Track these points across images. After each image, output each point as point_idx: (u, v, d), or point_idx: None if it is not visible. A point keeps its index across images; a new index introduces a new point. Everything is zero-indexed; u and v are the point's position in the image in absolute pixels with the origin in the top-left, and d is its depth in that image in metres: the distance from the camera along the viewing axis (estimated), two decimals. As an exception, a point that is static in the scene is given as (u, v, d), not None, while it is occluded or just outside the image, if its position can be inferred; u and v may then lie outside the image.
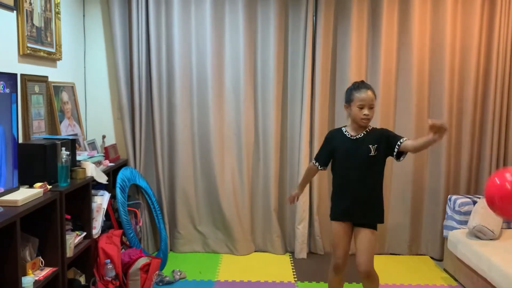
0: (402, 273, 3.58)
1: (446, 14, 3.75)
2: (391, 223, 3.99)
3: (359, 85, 2.56)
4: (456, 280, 3.47)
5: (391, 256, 3.97)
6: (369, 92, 2.52)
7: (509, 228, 3.48)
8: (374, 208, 2.62)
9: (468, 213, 3.43)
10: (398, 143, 2.47)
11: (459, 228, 3.47)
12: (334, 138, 2.70)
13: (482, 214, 3.28)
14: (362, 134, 2.58)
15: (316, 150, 3.87)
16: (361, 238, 2.57)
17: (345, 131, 2.64)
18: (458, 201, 3.50)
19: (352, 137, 2.59)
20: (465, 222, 3.44)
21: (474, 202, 3.46)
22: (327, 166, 2.76)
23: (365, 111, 2.50)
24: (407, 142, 2.47)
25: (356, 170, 2.59)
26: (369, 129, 2.60)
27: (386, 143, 2.53)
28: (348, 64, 3.82)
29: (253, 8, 3.80)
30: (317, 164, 2.75)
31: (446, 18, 3.76)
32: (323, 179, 3.97)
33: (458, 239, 3.34)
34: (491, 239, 3.22)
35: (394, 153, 2.51)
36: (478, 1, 3.74)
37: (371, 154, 2.54)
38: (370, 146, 2.54)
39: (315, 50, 3.80)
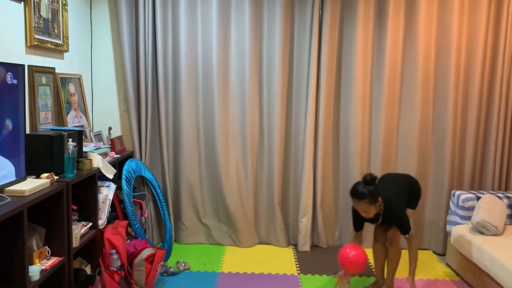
0: (405, 267, 3.59)
1: (453, 11, 3.74)
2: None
3: (351, 193, 2.81)
4: (458, 275, 3.49)
5: (394, 250, 3.99)
6: (357, 203, 2.77)
7: (512, 224, 3.48)
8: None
9: (471, 208, 3.44)
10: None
11: (463, 224, 3.48)
12: (359, 216, 2.96)
13: (485, 209, 3.28)
14: (380, 220, 2.95)
15: (320, 144, 3.89)
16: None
17: (366, 219, 2.96)
18: (462, 197, 3.51)
19: (371, 221, 3.00)
20: (468, 218, 3.45)
21: (478, 198, 3.46)
22: (363, 227, 3.08)
23: (362, 214, 2.83)
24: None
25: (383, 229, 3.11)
26: (382, 212, 2.89)
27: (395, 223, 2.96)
28: (353, 58, 3.81)
29: (259, 2, 3.80)
30: (357, 232, 3.08)
31: (452, 14, 3.74)
32: (327, 173, 3.99)
33: (461, 235, 3.35)
34: (494, 235, 3.23)
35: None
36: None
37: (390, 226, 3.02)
38: (386, 224, 3.02)
39: (321, 43, 3.80)
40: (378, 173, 3.88)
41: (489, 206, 3.32)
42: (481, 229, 3.25)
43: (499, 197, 3.48)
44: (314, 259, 3.79)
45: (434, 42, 3.82)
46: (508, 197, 3.51)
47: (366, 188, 2.72)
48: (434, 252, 3.99)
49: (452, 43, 3.77)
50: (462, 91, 3.86)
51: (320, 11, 3.78)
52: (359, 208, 2.79)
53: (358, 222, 3.04)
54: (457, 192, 3.60)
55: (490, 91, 3.86)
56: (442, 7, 3.78)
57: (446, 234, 3.76)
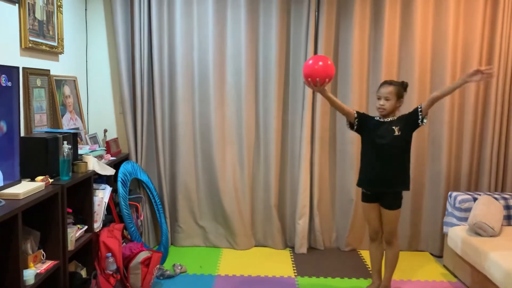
0: (402, 269, 3.59)
1: (449, 10, 3.74)
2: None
3: (383, 83, 2.99)
4: (455, 276, 3.48)
5: (391, 252, 3.98)
6: (387, 86, 2.92)
7: (509, 225, 3.48)
8: (395, 184, 2.96)
9: (468, 209, 3.44)
10: (419, 112, 2.87)
11: (459, 225, 3.48)
12: (367, 117, 3.05)
13: (482, 211, 3.28)
14: (390, 119, 2.95)
15: (317, 146, 3.88)
16: (384, 216, 3.01)
17: (376, 117, 3.01)
18: (459, 198, 3.51)
19: (380, 119, 2.97)
20: (465, 219, 3.45)
21: (475, 199, 3.47)
22: (357, 120, 3.01)
23: (381, 102, 2.93)
24: (427, 101, 2.86)
25: (381, 148, 2.93)
26: (395, 117, 2.96)
27: (408, 118, 2.93)
28: (350, 59, 3.81)
29: (255, 4, 3.80)
30: (355, 113, 3.02)
31: (448, 15, 3.75)
32: (324, 174, 3.98)
33: (458, 236, 3.35)
34: (491, 236, 3.23)
35: (419, 121, 2.89)
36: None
37: (396, 134, 2.89)
38: (394, 127, 2.91)
39: (317, 45, 3.80)
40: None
41: (486, 207, 3.32)
42: (477, 230, 3.25)
43: (496, 198, 3.48)
44: (311, 261, 3.77)
45: (430, 43, 3.82)
46: (504, 198, 3.51)
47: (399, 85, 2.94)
48: (431, 254, 3.98)
49: (448, 44, 3.77)
50: (458, 92, 3.86)
51: (316, 13, 3.78)
52: (384, 91, 2.91)
53: (362, 117, 3.02)
54: (454, 193, 3.60)
55: (486, 92, 3.87)
56: (438, 8, 3.79)
57: (443, 236, 3.76)
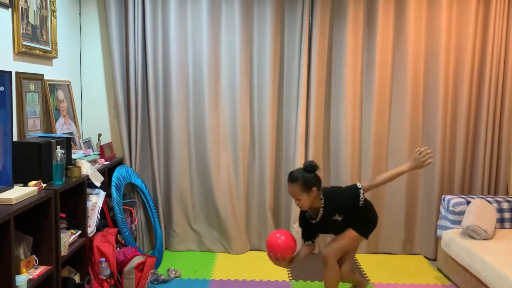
0: (396, 273, 3.59)
1: (441, 14, 3.77)
2: (385, 223, 4.01)
3: (288, 177, 2.74)
4: (449, 279, 3.49)
5: (385, 255, 3.99)
6: (289, 185, 2.72)
7: (502, 228, 3.50)
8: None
9: (462, 213, 3.45)
10: (360, 196, 2.72)
11: (453, 228, 3.49)
12: (304, 220, 2.89)
13: (475, 214, 3.29)
14: (321, 214, 2.76)
15: (311, 149, 3.88)
16: (344, 232, 2.83)
17: (308, 217, 2.84)
18: (452, 201, 3.52)
19: (314, 222, 2.81)
20: (458, 222, 3.46)
21: (468, 202, 3.48)
22: (315, 239, 2.90)
23: (295, 202, 2.74)
24: (366, 186, 2.76)
25: (334, 233, 2.90)
26: (322, 205, 2.74)
27: (346, 202, 2.76)
28: (343, 63, 3.82)
29: (249, 7, 3.81)
30: (306, 243, 2.90)
31: (441, 18, 3.78)
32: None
33: (451, 239, 3.36)
34: (484, 239, 3.24)
35: (360, 203, 2.73)
36: (473, 2, 3.76)
37: (340, 220, 2.77)
38: (333, 218, 2.77)
39: (311, 49, 3.82)
40: (368, 177, 3.87)
41: (479, 210, 3.33)
42: (471, 234, 3.26)
43: (489, 201, 3.49)
44: (305, 265, 3.76)
45: (424, 46, 3.84)
46: (497, 201, 3.53)
47: (302, 174, 2.68)
48: (426, 257, 3.99)
49: (441, 47, 3.79)
50: (452, 96, 3.89)
51: (310, 17, 3.80)
52: (290, 192, 2.73)
53: (306, 228, 2.88)
54: (448, 197, 3.62)
55: (479, 95, 3.89)
56: (431, 11, 3.81)
57: (437, 239, 3.77)
